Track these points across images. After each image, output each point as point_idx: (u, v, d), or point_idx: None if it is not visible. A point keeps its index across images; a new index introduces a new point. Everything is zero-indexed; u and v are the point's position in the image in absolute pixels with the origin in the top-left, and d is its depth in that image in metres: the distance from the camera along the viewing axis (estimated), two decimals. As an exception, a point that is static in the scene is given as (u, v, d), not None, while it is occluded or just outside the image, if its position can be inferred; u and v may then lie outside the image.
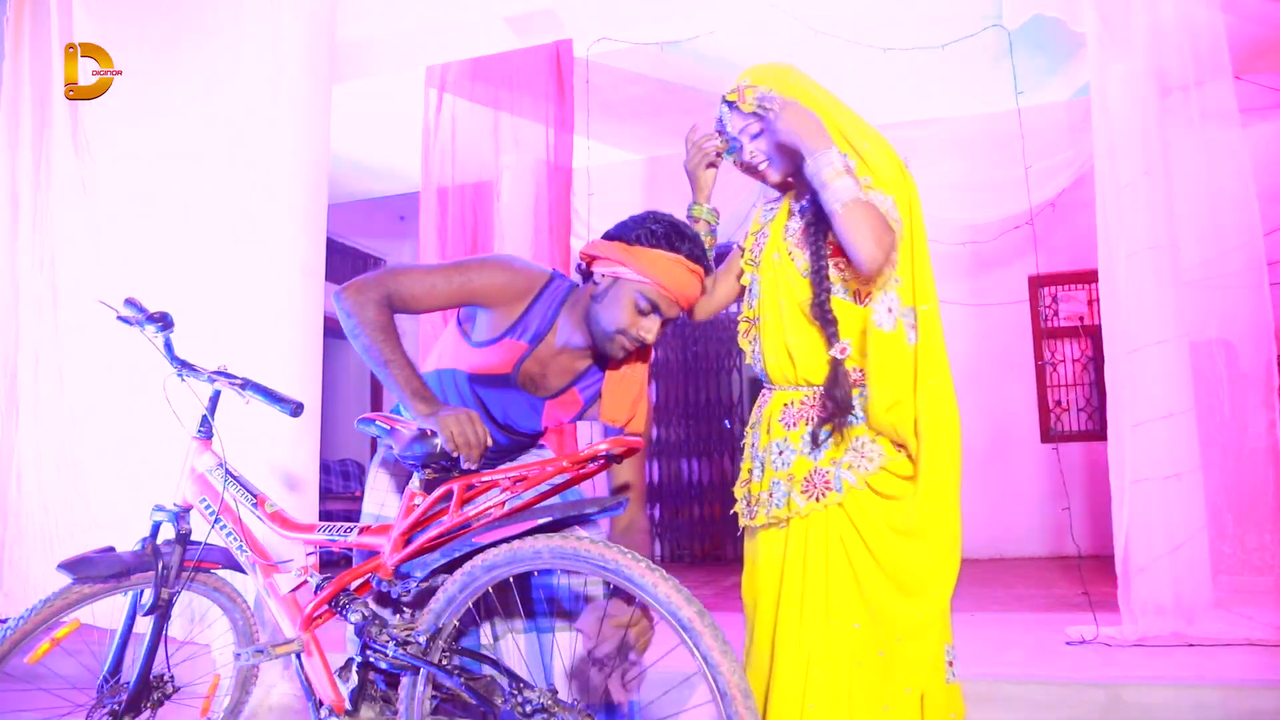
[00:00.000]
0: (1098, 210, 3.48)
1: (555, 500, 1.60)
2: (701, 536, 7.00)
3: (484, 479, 1.51)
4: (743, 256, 1.90)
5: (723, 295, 1.93)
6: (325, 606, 1.68)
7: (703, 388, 7.21)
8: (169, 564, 1.83)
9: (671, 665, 1.66)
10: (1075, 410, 6.53)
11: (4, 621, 1.80)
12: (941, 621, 1.66)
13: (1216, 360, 3.65)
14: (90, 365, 3.25)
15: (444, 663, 1.52)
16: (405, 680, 1.54)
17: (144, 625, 1.86)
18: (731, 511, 1.86)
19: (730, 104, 1.79)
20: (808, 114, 1.67)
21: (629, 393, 1.84)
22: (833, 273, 1.70)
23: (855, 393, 1.68)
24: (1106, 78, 3.58)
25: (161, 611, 1.84)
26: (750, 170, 1.83)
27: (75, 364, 3.28)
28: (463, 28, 4.59)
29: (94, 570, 1.79)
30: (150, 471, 3.01)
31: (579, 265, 1.81)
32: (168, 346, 1.90)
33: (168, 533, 1.88)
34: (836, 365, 1.66)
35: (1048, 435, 6.36)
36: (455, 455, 1.53)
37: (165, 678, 1.91)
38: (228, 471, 1.85)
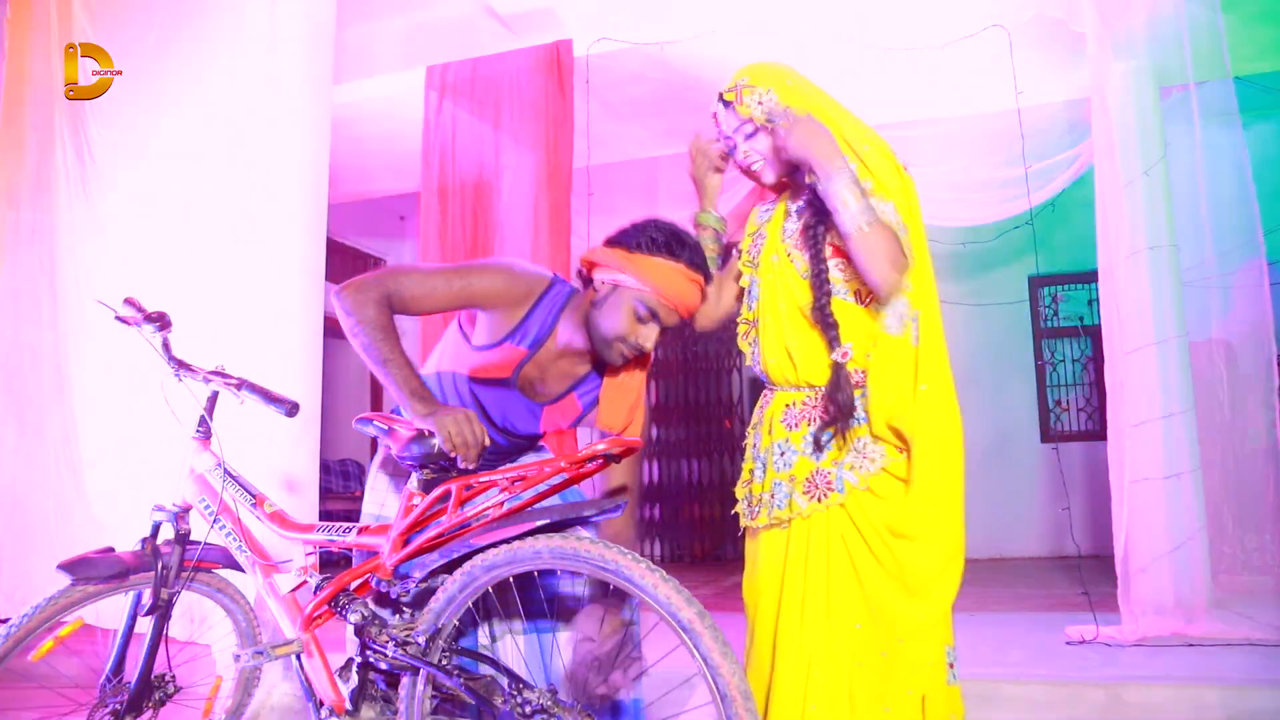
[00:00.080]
0: (1098, 210, 3.48)
1: (554, 501, 1.60)
2: (701, 536, 7.00)
3: (482, 479, 1.51)
4: (740, 258, 1.89)
5: (729, 302, 1.91)
6: (325, 607, 1.68)
7: (703, 388, 7.21)
8: (169, 564, 1.83)
9: (672, 666, 1.66)
10: (1075, 410, 6.53)
11: (5, 621, 1.80)
12: (943, 623, 1.66)
13: (1216, 360, 3.65)
14: (90, 365, 3.25)
15: (444, 663, 1.52)
16: (405, 680, 1.54)
17: (145, 625, 1.86)
18: (732, 512, 1.86)
19: (727, 104, 1.77)
20: (820, 130, 1.64)
21: (626, 399, 1.84)
22: (833, 273, 1.70)
23: (857, 393, 1.68)
24: (1106, 78, 3.58)
25: (162, 612, 1.84)
26: (745, 170, 1.81)
27: (75, 364, 3.28)
28: (463, 28, 4.59)
29: (94, 571, 1.79)
30: (150, 471, 3.02)
31: (579, 271, 1.81)
32: (165, 346, 1.89)
33: (168, 533, 1.88)
34: (838, 368, 1.66)
35: (1048, 435, 6.36)
36: (453, 455, 1.53)
37: (167, 678, 1.91)
38: (226, 471, 1.85)
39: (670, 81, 4.44)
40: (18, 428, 3.35)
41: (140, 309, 1.87)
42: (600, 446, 1.42)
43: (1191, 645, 3.16)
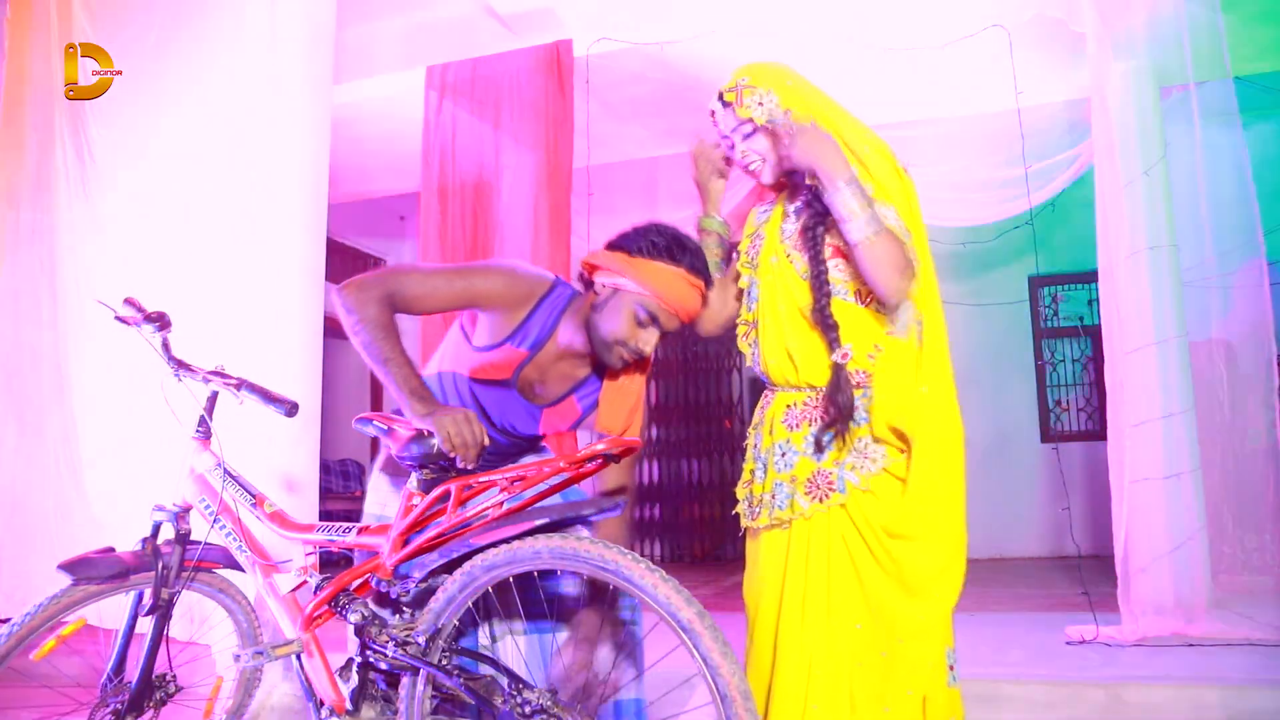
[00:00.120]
0: (1098, 210, 3.48)
1: (554, 500, 1.60)
2: (701, 536, 7.00)
3: (482, 479, 1.51)
4: (738, 260, 1.89)
5: (733, 306, 1.90)
6: (325, 607, 1.68)
7: (703, 388, 7.21)
8: (169, 564, 1.83)
9: (672, 666, 1.66)
10: (1075, 410, 6.53)
11: (6, 621, 1.80)
12: (944, 625, 1.66)
13: (1216, 360, 3.66)
14: (90, 365, 3.25)
15: (444, 663, 1.52)
16: (405, 680, 1.54)
17: (146, 625, 1.87)
18: (733, 512, 1.86)
19: (727, 104, 1.76)
20: (825, 139, 1.63)
21: (625, 403, 1.84)
22: (833, 274, 1.69)
23: (858, 393, 1.68)
24: (1106, 78, 3.58)
25: (162, 611, 1.85)
26: (743, 170, 1.81)
27: (75, 364, 3.28)
28: (463, 28, 4.59)
29: (94, 571, 1.79)
30: (150, 471, 3.02)
31: (580, 274, 1.81)
32: (165, 346, 1.89)
33: (168, 533, 1.89)
34: (839, 370, 1.66)
35: (1048, 435, 6.36)
36: (452, 456, 1.53)
37: (168, 677, 1.91)
38: (226, 471, 1.85)
39: (670, 81, 4.44)
40: (18, 428, 3.35)
41: (140, 309, 1.87)
42: (600, 446, 1.42)
43: (1191, 645, 3.16)
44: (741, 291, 1.86)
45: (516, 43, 4.33)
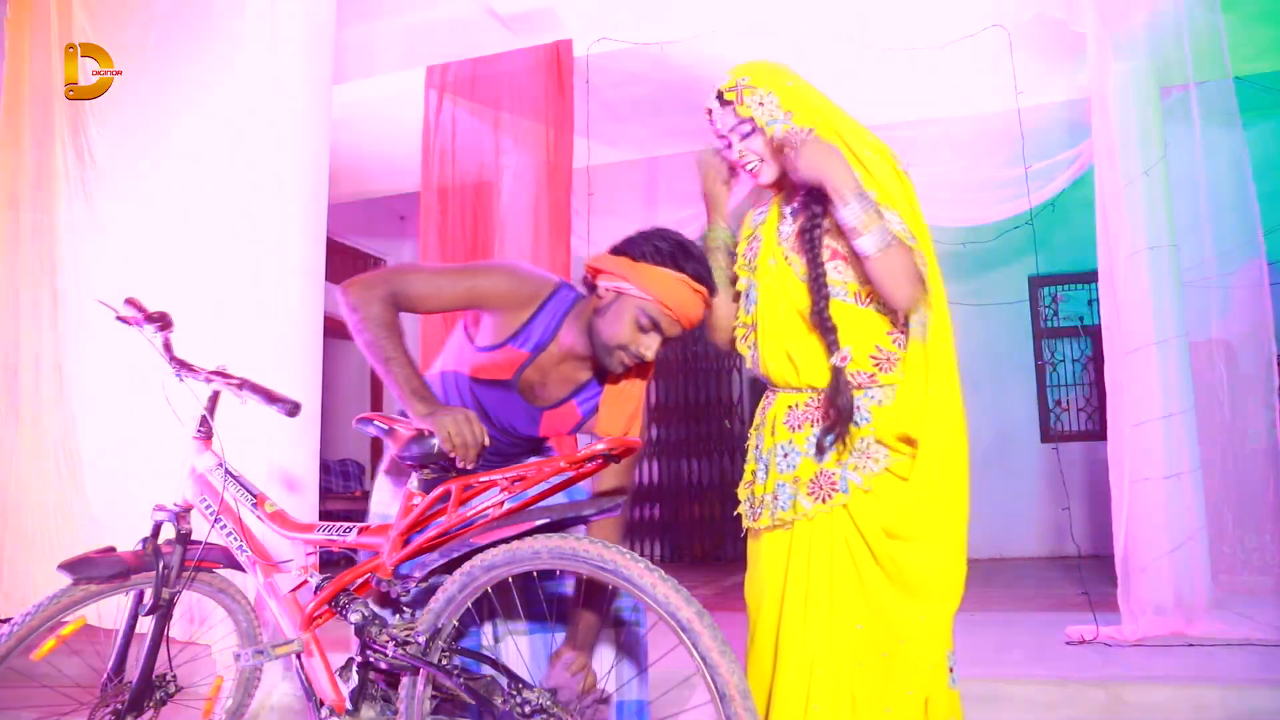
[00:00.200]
0: (1097, 210, 3.48)
1: (556, 500, 1.60)
2: (701, 536, 7.01)
3: (482, 479, 1.51)
4: (736, 262, 1.88)
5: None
6: (325, 606, 1.68)
7: (703, 388, 7.21)
8: (169, 564, 1.84)
9: (671, 665, 1.66)
10: (1075, 410, 6.53)
11: (6, 621, 1.80)
12: (944, 627, 1.66)
13: (1216, 360, 3.65)
14: (90, 365, 3.25)
15: (444, 663, 1.52)
16: (405, 680, 1.54)
17: (146, 625, 1.87)
18: (735, 513, 1.85)
19: (726, 103, 1.74)
20: (832, 152, 1.62)
21: (625, 408, 1.84)
22: (832, 276, 1.69)
23: (859, 393, 1.68)
24: (1106, 78, 3.58)
25: (163, 611, 1.85)
26: (741, 169, 1.80)
27: (75, 364, 3.28)
28: (463, 28, 4.59)
29: (94, 570, 1.79)
30: (150, 471, 3.02)
31: (584, 277, 1.81)
32: (166, 346, 1.90)
33: (169, 533, 1.89)
34: (838, 374, 1.66)
35: (1048, 435, 6.37)
36: (452, 455, 1.53)
37: (168, 677, 1.91)
38: (227, 471, 1.86)
39: (670, 81, 4.44)
40: (18, 428, 3.35)
41: (141, 309, 1.87)
42: (600, 446, 1.42)
43: (1191, 645, 3.16)
44: (739, 294, 1.86)
45: (516, 43, 4.33)
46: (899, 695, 1.62)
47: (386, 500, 1.93)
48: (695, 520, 7.04)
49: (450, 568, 1.52)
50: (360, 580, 1.65)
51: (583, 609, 1.77)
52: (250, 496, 1.84)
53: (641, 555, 1.40)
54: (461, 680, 1.48)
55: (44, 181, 3.45)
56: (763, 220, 1.84)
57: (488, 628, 1.84)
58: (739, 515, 1.84)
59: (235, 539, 1.84)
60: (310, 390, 3.02)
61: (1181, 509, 3.52)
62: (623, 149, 5.47)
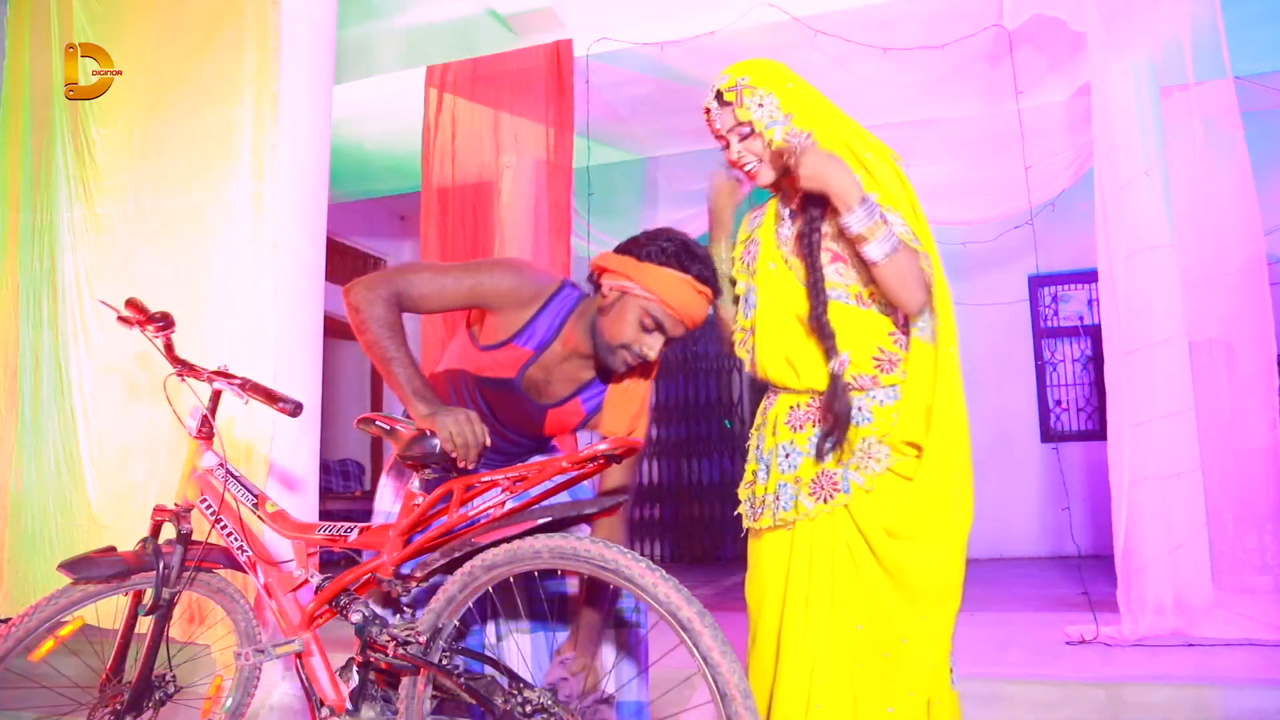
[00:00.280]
0: (1097, 210, 3.48)
1: (558, 499, 1.60)
2: (701, 536, 7.00)
3: (484, 479, 1.51)
4: (734, 266, 1.87)
5: None
6: (325, 606, 1.68)
7: (703, 388, 7.21)
8: (170, 564, 1.83)
9: (672, 665, 1.66)
10: (1075, 410, 6.53)
11: (6, 621, 1.80)
12: (945, 627, 1.66)
13: (1216, 360, 3.65)
14: (90, 365, 3.25)
15: (444, 662, 1.52)
16: (405, 680, 1.54)
17: (146, 625, 1.86)
18: (735, 513, 1.85)
19: (725, 102, 1.72)
20: (834, 161, 1.60)
21: (630, 407, 1.84)
22: (833, 278, 1.68)
23: (859, 394, 1.68)
24: (1106, 78, 3.58)
25: (163, 612, 1.85)
26: (738, 170, 1.78)
27: (75, 364, 3.28)
28: (463, 28, 4.59)
29: (95, 570, 1.79)
30: (150, 471, 3.02)
31: (589, 275, 1.81)
32: (167, 347, 1.90)
33: (169, 533, 1.89)
34: (835, 379, 1.65)
35: (1048, 435, 6.37)
36: (453, 455, 1.53)
37: (167, 677, 1.91)
38: (228, 471, 1.86)
39: (670, 82, 4.44)
40: (18, 428, 3.35)
41: (143, 310, 1.87)
42: (602, 446, 1.42)
43: (1191, 645, 3.16)
44: (738, 298, 1.85)
45: (516, 43, 4.33)
46: (900, 695, 1.62)
47: (390, 500, 1.93)
48: (695, 520, 7.04)
49: (451, 567, 1.52)
50: (361, 580, 1.65)
51: (585, 608, 1.77)
52: (251, 496, 1.85)
53: (642, 555, 1.40)
54: (462, 680, 1.48)
55: (44, 181, 3.45)
56: (759, 223, 1.83)
57: (489, 627, 1.84)
58: (739, 515, 1.84)
59: (235, 539, 1.84)
60: (310, 390, 3.03)
61: (1181, 509, 3.52)
62: (623, 149, 5.48)
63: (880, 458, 1.66)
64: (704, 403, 7.18)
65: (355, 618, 1.59)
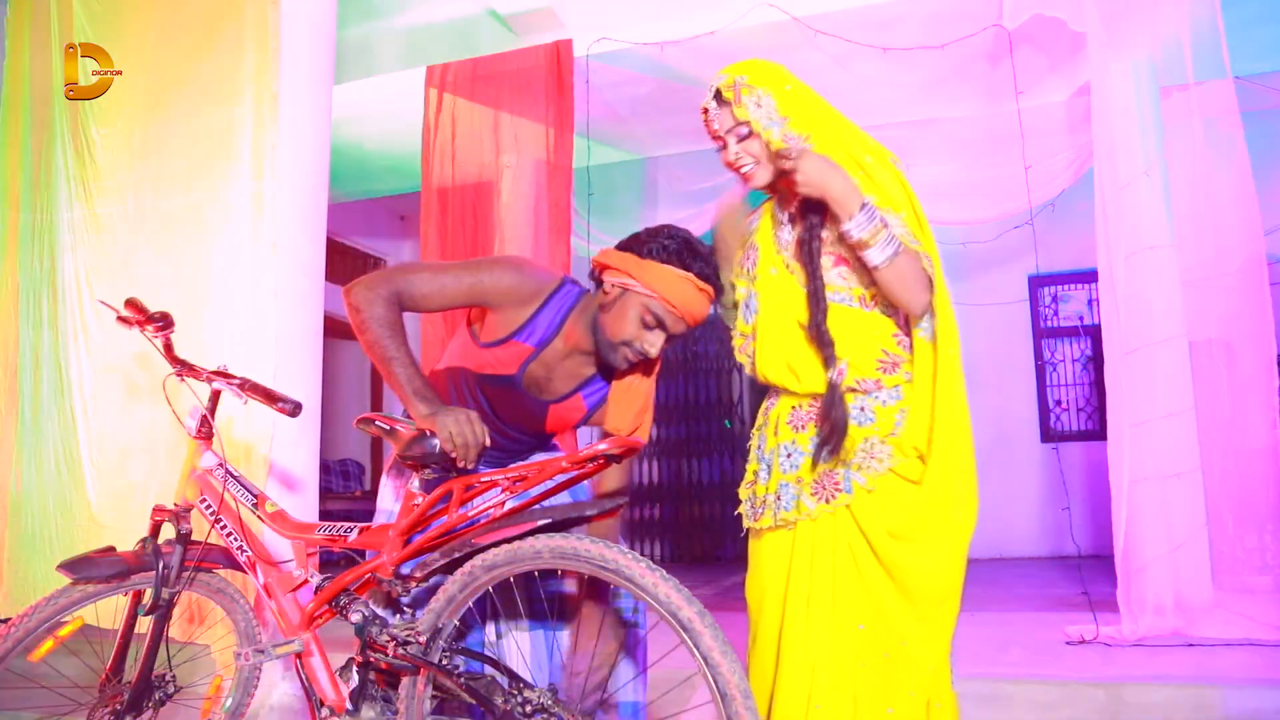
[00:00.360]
0: (1097, 210, 3.48)
1: (559, 499, 1.60)
2: (701, 536, 7.00)
3: (484, 479, 1.51)
4: (733, 271, 1.85)
5: None
6: (325, 606, 1.68)
7: (703, 388, 7.21)
8: (169, 564, 1.83)
9: (672, 665, 1.66)
10: (1075, 410, 6.53)
11: (5, 621, 1.80)
12: (946, 629, 1.65)
13: (1216, 360, 3.65)
14: (90, 365, 3.25)
15: (444, 662, 1.52)
16: (405, 680, 1.54)
17: (145, 625, 1.86)
18: (736, 513, 1.85)
19: (723, 101, 1.70)
20: (832, 167, 1.59)
21: (634, 404, 1.84)
22: (836, 282, 1.68)
23: (863, 396, 1.68)
24: (1106, 78, 3.58)
25: (162, 612, 1.84)
26: (735, 172, 1.76)
27: (75, 364, 3.29)
28: (463, 28, 4.59)
29: (94, 570, 1.79)
30: (150, 471, 3.02)
31: (591, 272, 1.81)
32: (167, 347, 1.90)
33: (168, 533, 1.89)
34: (833, 388, 1.65)
35: (1048, 435, 6.37)
36: (453, 455, 1.53)
37: (167, 677, 1.91)
38: (228, 471, 1.85)
39: (670, 82, 4.44)
40: (17, 428, 3.35)
41: (143, 309, 1.87)
42: (602, 446, 1.43)
43: (1191, 645, 3.16)
44: (738, 303, 1.85)
45: (516, 43, 4.33)
46: (901, 696, 1.62)
47: (390, 500, 1.93)
48: (695, 520, 7.04)
49: (451, 568, 1.52)
50: (361, 580, 1.65)
51: (585, 605, 1.77)
52: (250, 496, 1.84)
53: (642, 555, 1.40)
54: (462, 680, 1.48)
55: (44, 181, 3.45)
56: (755, 227, 1.83)
57: (489, 627, 1.84)
58: (739, 515, 1.84)
59: (235, 539, 1.84)
60: (310, 390, 3.03)
61: (1181, 509, 3.52)
62: (623, 149, 5.48)
63: (883, 458, 1.66)
64: (704, 403, 7.18)
65: (355, 618, 1.59)
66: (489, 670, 1.53)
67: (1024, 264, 5.95)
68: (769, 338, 1.74)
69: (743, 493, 1.84)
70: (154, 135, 3.30)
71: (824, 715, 1.62)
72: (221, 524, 1.85)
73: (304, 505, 2.92)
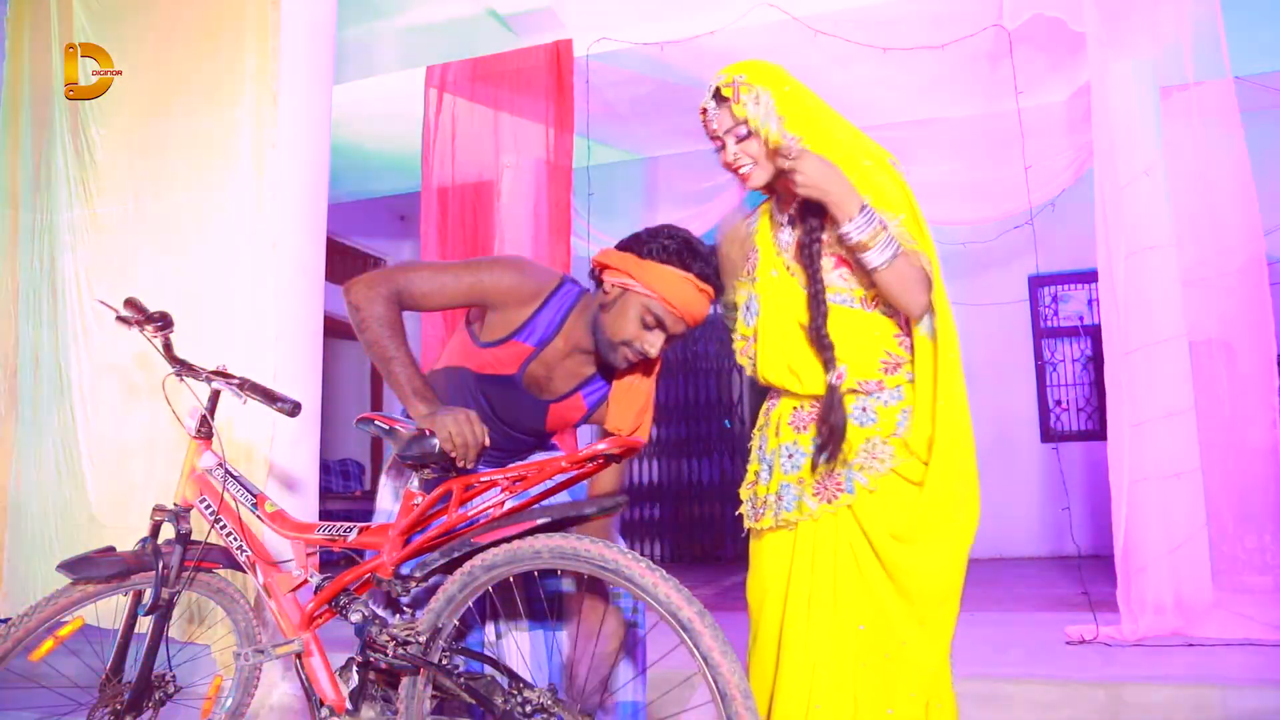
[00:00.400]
0: (1097, 210, 3.48)
1: (558, 499, 1.60)
2: (701, 536, 7.00)
3: (483, 479, 1.51)
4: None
5: None
6: (325, 606, 1.68)
7: (703, 388, 7.21)
8: (169, 564, 1.83)
9: (672, 665, 1.66)
10: (1075, 410, 6.53)
11: (5, 621, 1.80)
12: (946, 630, 1.65)
13: (1216, 360, 3.65)
14: (90, 365, 3.25)
15: (444, 662, 1.52)
16: (405, 680, 1.54)
17: (145, 625, 1.86)
18: (736, 513, 1.85)
19: (722, 99, 1.69)
20: (831, 170, 1.58)
21: (635, 404, 1.84)
22: (838, 283, 1.67)
23: (857, 398, 1.68)
24: (1106, 78, 3.58)
25: (162, 612, 1.84)
26: (731, 171, 1.75)
27: (75, 364, 3.28)
28: (463, 28, 4.59)
29: (94, 570, 1.79)
30: (150, 471, 3.02)
31: (591, 271, 1.81)
32: (166, 347, 1.90)
33: (168, 533, 1.89)
34: (832, 391, 1.65)
35: (1048, 435, 6.37)
36: (452, 455, 1.53)
37: (167, 677, 1.91)
38: (228, 471, 1.85)
39: (670, 81, 4.45)
40: (17, 428, 3.35)
41: (142, 309, 1.87)
42: (601, 446, 1.43)
43: (1191, 645, 3.16)
44: (736, 304, 1.84)
45: (516, 43, 4.33)
46: (901, 697, 1.62)
47: (389, 500, 1.93)
48: (695, 520, 7.04)
49: (451, 567, 1.52)
50: (361, 580, 1.65)
51: (587, 602, 1.77)
52: (250, 496, 1.84)
53: (642, 555, 1.40)
54: (462, 680, 1.48)
55: (44, 181, 3.45)
56: (754, 229, 1.83)
57: (489, 627, 1.84)
58: (740, 515, 1.83)
59: (235, 539, 1.84)
60: (310, 390, 3.02)
61: (1181, 509, 3.52)
62: (623, 149, 5.48)
63: (884, 458, 1.66)
64: (704, 403, 7.18)
65: (355, 618, 1.59)
66: (489, 670, 1.53)
67: (1024, 264, 5.94)
68: (770, 340, 1.74)
69: (744, 493, 1.84)
70: (154, 135, 3.30)
71: (824, 715, 1.62)
72: (221, 524, 1.85)
73: (304, 505, 2.92)
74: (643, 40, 4.16)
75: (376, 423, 1.61)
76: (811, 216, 1.66)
